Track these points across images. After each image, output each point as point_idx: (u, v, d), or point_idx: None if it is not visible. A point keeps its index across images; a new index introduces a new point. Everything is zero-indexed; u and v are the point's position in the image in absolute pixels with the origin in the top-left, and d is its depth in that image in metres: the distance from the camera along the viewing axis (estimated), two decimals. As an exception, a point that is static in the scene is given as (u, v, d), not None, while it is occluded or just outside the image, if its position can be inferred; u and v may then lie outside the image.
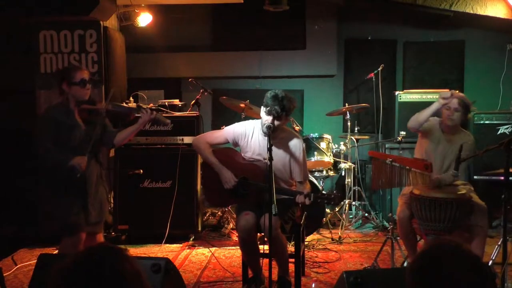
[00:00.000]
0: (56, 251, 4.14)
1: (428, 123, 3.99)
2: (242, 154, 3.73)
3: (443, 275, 1.39)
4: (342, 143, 5.71)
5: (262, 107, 3.54)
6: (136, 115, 3.74)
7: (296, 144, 3.66)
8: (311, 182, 4.81)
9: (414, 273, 1.45)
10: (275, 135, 3.58)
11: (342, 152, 5.68)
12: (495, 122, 5.49)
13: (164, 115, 5.03)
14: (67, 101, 3.51)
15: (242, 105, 5.31)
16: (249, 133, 3.70)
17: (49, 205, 3.59)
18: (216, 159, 3.67)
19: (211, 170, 3.68)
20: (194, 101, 5.25)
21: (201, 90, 5.31)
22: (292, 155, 3.65)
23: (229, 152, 3.78)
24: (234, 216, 5.30)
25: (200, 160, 5.04)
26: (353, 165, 5.62)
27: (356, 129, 5.76)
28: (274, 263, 3.56)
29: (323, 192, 4.39)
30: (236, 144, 3.77)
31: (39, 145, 3.46)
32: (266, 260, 3.57)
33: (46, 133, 3.44)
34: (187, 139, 5.01)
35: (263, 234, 3.72)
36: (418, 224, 3.72)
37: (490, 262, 3.78)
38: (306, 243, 4.75)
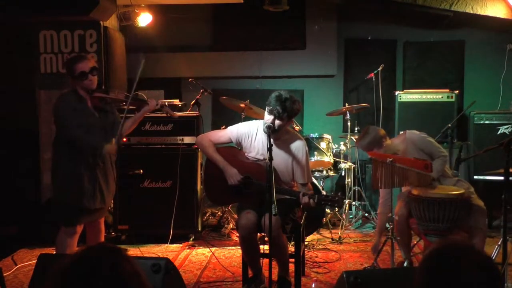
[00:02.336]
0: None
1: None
2: (246, 154, 3.73)
3: (461, 276, 1.38)
4: (342, 143, 5.71)
5: (266, 106, 3.55)
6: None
7: (298, 146, 3.66)
8: (312, 183, 4.81)
9: (429, 272, 1.44)
10: (278, 136, 3.58)
11: (342, 152, 5.68)
12: (495, 122, 5.49)
13: (164, 115, 5.05)
14: (78, 90, 3.57)
15: (242, 105, 5.31)
16: (253, 133, 3.70)
17: (59, 186, 3.62)
18: (221, 157, 3.67)
19: (214, 168, 3.68)
20: (194, 101, 5.25)
21: (201, 90, 5.31)
22: (295, 157, 3.64)
23: (232, 151, 3.78)
24: (234, 216, 5.30)
25: (200, 160, 5.04)
26: (353, 165, 5.62)
27: (356, 129, 5.76)
28: (274, 263, 3.55)
29: (327, 194, 4.38)
30: (239, 144, 3.77)
31: (66, 134, 3.52)
32: (266, 260, 3.57)
33: (69, 118, 3.48)
34: (187, 139, 5.00)
35: (263, 234, 3.72)
36: (416, 224, 3.72)
37: (490, 262, 3.77)
38: (306, 243, 4.75)
